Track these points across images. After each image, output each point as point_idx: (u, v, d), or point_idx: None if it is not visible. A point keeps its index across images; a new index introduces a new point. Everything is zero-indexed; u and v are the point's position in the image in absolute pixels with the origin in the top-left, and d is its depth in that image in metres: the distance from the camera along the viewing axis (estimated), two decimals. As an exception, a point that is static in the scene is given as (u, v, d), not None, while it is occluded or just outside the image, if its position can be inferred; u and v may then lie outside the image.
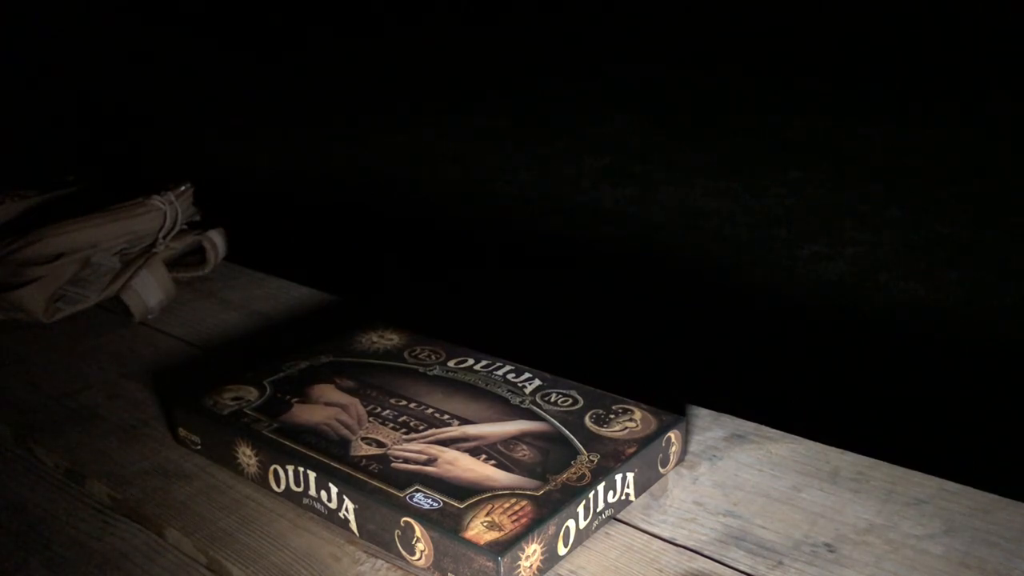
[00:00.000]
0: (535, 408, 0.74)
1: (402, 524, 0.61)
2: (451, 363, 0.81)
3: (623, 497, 0.67)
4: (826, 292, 2.51)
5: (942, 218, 2.97)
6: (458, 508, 0.61)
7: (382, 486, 0.64)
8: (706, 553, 0.63)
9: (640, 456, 0.68)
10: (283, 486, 0.69)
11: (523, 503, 0.62)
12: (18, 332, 1.02)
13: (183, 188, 1.13)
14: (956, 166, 3.50)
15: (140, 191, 1.11)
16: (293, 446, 0.69)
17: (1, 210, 1.12)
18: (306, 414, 0.74)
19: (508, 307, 2.45)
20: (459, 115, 4.69)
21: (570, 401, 0.75)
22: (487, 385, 0.77)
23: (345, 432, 0.71)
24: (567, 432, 0.70)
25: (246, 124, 4.68)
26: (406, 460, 0.67)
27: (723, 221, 3.06)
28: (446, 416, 0.73)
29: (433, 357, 0.83)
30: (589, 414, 0.73)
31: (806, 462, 0.73)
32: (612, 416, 0.72)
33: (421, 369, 0.80)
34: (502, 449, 0.68)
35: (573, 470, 0.65)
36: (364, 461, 0.67)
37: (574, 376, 0.79)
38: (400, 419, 0.72)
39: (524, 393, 0.76)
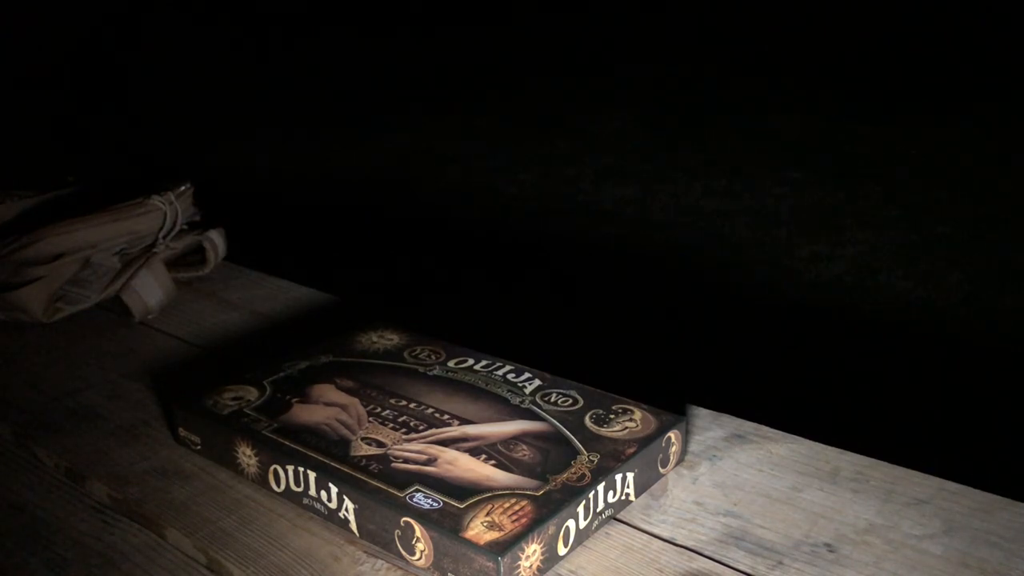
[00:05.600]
0: (535, 408, 0.74)
1: (402, 524, 0.61)
2: (451, 363, 0.81)
3: (623, 497, 0.67)
4: (826, 292, 2.51)
5: (942, 218, 2.97)
6: (458, 508, 0.61)
7: (382, 486, 0.64)
8: (706, 553, 0.63)
9: (640, 456, 0.68)
10: (283, 486, 0.69)
11: (523, 503, 0.62)
12: (18, 332, 1.02)
13: (183, 188, 1.13)
14: (956, 166, 3.50)
15: (140, 191, 1.11)
16: (293, 446, 0.69)
17: (1, 210, 1.12)
18: (306, 414, 0.74)
19: (508, 307, 2.44)
20: (459, 115, 4.69)
21: (570, 401, 0.75)
22: (487, 385, 0.77)
23: (345, 432, 0.71)
24: (567, 432, 0.70)
25: (246, 124, 4.68)
26: (406, 460, 0.67)
27: (723, 221, 3.06)
28: (446, 416, 0.73)
29: (433, 357, 0.83)
30: (589, 414, 0.73)
31: (806, 462, 0.73)
32: (612, 416, 0.72)
33: (421, 369, 0.80)
34: (502, 449, 0.68)
35: (573, 470, 0.65)
36: (364, 461, 0.67)
37: (574, 376, 0.79)
38: (400, 419, 0.72)
39: (524, 393, 0.76)
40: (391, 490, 0.63)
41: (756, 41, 6.06)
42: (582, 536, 0.64)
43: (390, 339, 0.86)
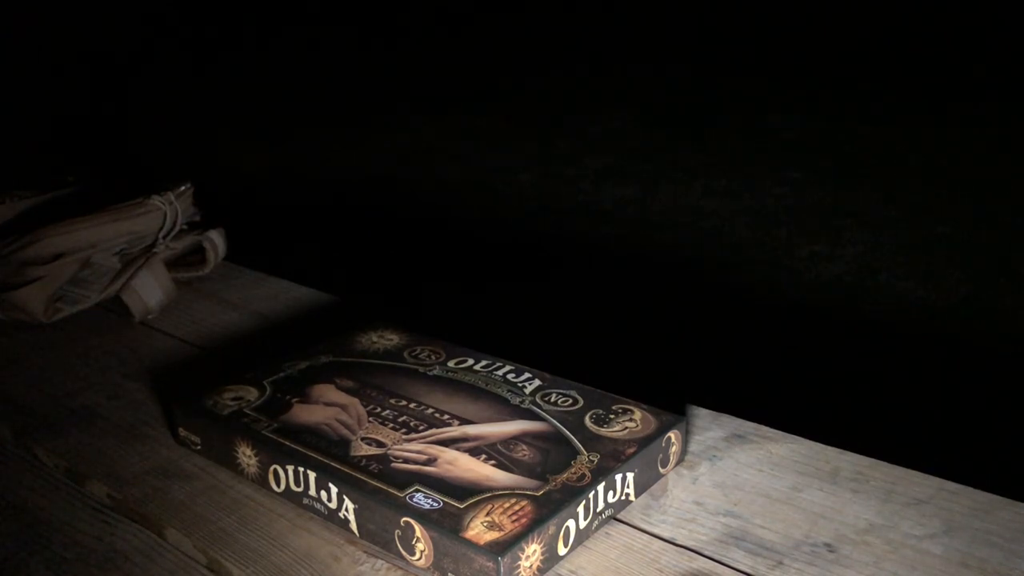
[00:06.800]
0: (535, 408, 0.74)
1: (402, 524, 0.61)
2: (451, 363, 0.81)
3: (623, 497, 0.67)
4: (826, 292, 2.51)
5: (942, 218, 2.97)
6: (458, 508, 0.61)
7: (382, 486, 0.64)
8: (706, 553, 0.63)
9: (640, 456, 0.68)
10: (283, 486, 0.69)
11: (523, 503, 0.62)
12: (18, 332, 1.02)
13: (183, 188, 1.13)
14: (956, 166, 3.50)
15: (140, 191, 1.11)
16: (293, 446, 0.69)
17: (1, 210, 1.12)
18: (306, 414, 0.74)
19: (508, 307, 2.44)
20: (459, 115, 4.69)
21: (570, 401, 0.75)
22: (487, 385, 0.77)
23: (345, 432, 0.71)
24: (567, 432, 0.70)
25: (246, 124, 4.68)
26: (406, 460, 0.67)
27: (723, 221, 3.06)
28: (446, 416, 0.73)
29: (433, 357, 0.83)
30: (589, 414, 0.73)
31: (806, 462, 0.73)
32: (612, 416, 0.72)
33: (421, 369, 0.80)
34: (502, 449, 0.68)
35: (573, 470, 0.65)
36: (364, 461, 0.67)
37: (574, 376, 0.79)
38: (400, 419, 0.72)
39: (524, 393, 0.76)
40: (391, 490, 0.63)
41: (756, 41, 6.06)
42: (582, 536, 0.64)
43: (390, 339, 0.86)
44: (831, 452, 0.74)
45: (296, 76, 5.85)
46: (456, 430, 0.71)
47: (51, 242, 1.02)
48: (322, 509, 0.67)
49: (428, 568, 0.61)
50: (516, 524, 0.60)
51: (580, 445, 0.68)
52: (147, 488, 0.72)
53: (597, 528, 0.65)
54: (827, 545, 0.63)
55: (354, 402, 0.75)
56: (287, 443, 0.70)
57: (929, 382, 2.02)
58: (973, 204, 3.09)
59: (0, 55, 5.95)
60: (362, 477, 0.65)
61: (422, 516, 0.61)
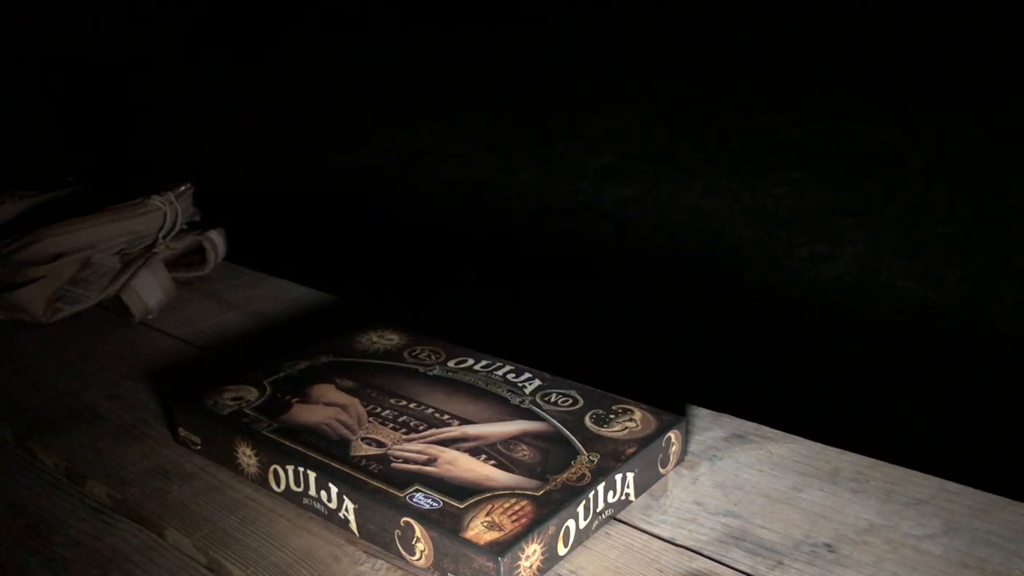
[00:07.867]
0: (535, 408, 0.74)
1: (402, 524, 0.61)
2: (451, 363, 0.81)
3: (623, 497, 0.67)
4: (826, 292, 2.51)
5: (942, 218, 2.97)
6: (458, 508, 0.61)
7: (382, 486, 0.64)
8: (706, 553, 0.63)
9: (640, 456, 0.68)
10: (283, 486, 0.69)
11: (523, 503, 0.62)
12: (18, 332, 1.02)
13: (183, 188, 1.13)
14: (956, 166, 3.50)
15: (140, 191, 1.11)
16: (293, 446, 0.69)
17: (1, 210, 1.12)
18: (306, 414, 0.74)
19: (508, 307, 2.45)
20: (459, 115, 4.69)
21: (570, 401, 0.75)
22: (487, 385, 0.77)
23: (345, 432, 0.71)
24: (567, 432, 0.70)
25: (246, 124, 4.68)
26: (406, 460, 0.67)
27: (723, 221, 3.06)
28: (446, 416, 0.73)
29: (433, 357, 0.83)
30: (589, 414, 0.73)
31: (806, 462, 0.73)
32: (612, 416, 0.72)
33: (421, 369, 0.80)
34: (502, 449, 0.68)
35: (573, 470, 0.65)
36: (364, 461, 0.67)
37: (574, 376, 0.79)
38: (400, 419, 0.72)
39: (524, 393, 0.76)
40: (391, 490, 0.63)
41: (756, 41, 6.05)
42: (582, 536, 0.64)
43: (390, 339, 0.86)
44: (831, 452, 0.74)
45: (296, 76, 5.85)
46: (456, 430, 0.71)
47: (51, 242, 1.02)
48: (322, 509, 0.67)
49: (428, 568, 0.61)
50: (516, 524, 0.60)
51: (580, 445, 0.68)
52: (147, 488, 0.72)
53: (597, 528, 0.65)
54: (827, 545, 0.63)
55: (354, 402, 0.75)
56: (287, 443, 0.70)
57: (929, 382, 2.02)
58: (973, 204, 3.09)
59: (0, 54, 5.95)
60: (362, 477, 0.65)
61: (422, 516, 0.61)
